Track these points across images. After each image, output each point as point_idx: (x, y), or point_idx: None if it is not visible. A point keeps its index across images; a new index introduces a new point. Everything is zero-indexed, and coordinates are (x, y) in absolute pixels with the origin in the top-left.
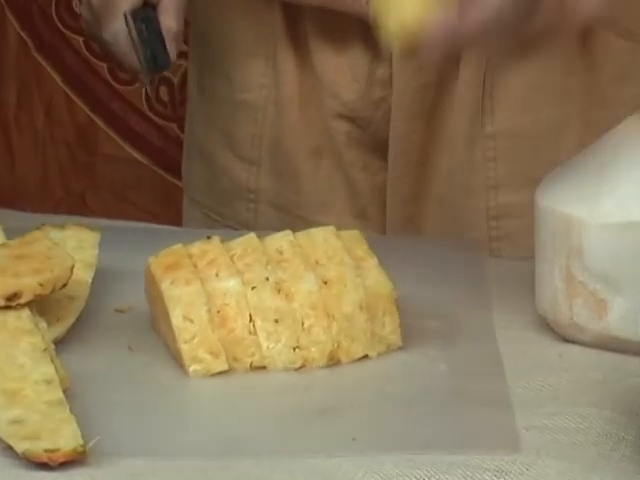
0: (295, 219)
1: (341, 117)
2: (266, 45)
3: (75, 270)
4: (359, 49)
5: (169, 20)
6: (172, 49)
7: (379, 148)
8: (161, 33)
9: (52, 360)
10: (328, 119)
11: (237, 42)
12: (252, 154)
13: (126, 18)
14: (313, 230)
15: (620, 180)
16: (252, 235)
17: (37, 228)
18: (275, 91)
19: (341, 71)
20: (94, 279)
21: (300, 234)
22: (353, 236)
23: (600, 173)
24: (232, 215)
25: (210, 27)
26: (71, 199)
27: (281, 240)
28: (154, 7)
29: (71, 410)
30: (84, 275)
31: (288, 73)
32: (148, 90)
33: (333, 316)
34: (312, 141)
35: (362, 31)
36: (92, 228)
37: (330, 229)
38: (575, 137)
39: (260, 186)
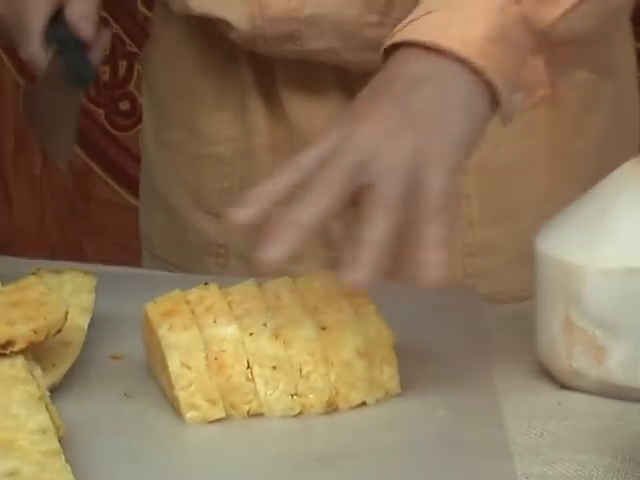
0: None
1: None
2: (232, 96)
3: (71, 315)
4: (335, 95)
5: (75, 4)
6: (84, 27)
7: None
8: (80, 45)
9: (47, 408)
10: None
11: (201, 95)
12: (220, 208)
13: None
14: (312, 276)
15: (619, 226)
16: (251, 281)
17: (33, 273)
18: (244, 143)
19: (316, 118)
20: (90, 325)
21: (299, 280)
22: None
23: (599, 219)
24: (199, 270)
25: (169, 80)
26: (67, 245)
27: (280, 286)
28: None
29: (66, 459)
30: (80, 321)
31: (258, 123)
32: (54, 159)
33: (332, 363)
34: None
35: (337, 76)
36: (88, 273)
37: (329, 275)
38: (545, 170)
39: (230, 240)
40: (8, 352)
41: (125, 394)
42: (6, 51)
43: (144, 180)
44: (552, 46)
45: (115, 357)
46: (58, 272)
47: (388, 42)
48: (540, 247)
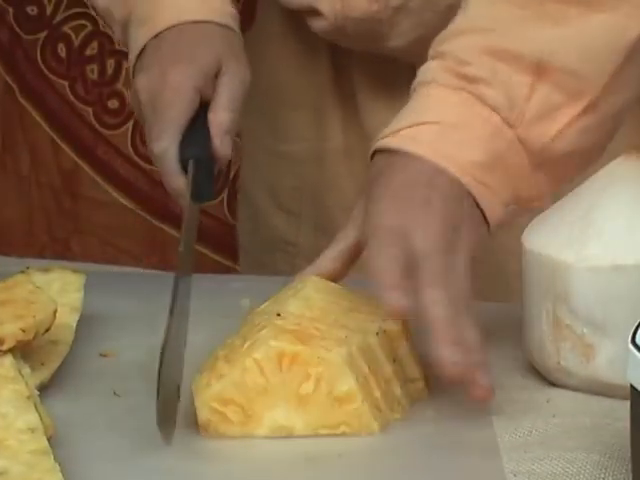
0: None
1: None
2: (312, 97)
3: (59, 314)
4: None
5: (221, 113)
6: (225, 144)
7: None
8: (210, 160)
9: (36, 407)
10: None
11: (284, 92)
12: (292, 206)
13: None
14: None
15: (606, 224)
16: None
17: (21, 271)
18: (318, 144)
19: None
20: (79, 323)
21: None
22: None
23: (586, 217)
24: (271, 264)
25: (256, 77)
26: (56, 244)
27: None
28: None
29: (55, 458)
30: (68, 319)
31: (334, 126)
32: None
33: None
34: (354, 196)
35: (413, 80)
36: (77, 271)
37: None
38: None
39: (299, 240)
40: None
41: (114, 392)
42: None
43: (241, 172)
44: (553, 162)
45: (104, 355)
46: (46, 270)
47: (384, 144)
48: (527, 244)
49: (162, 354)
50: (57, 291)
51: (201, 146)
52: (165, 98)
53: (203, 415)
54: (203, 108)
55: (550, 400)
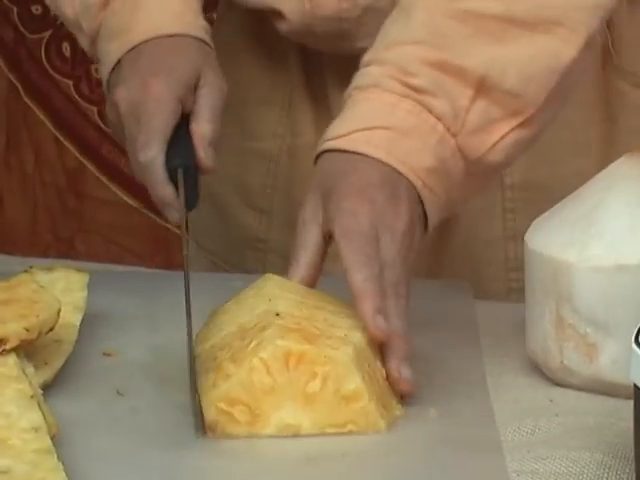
0: None
1: None
2: (282, 93)
3: (63, 313)
4: None
5: (203, 124)
6: (209, 155)
7: None
8: (193, 169)
9: (39, 406)
10: None
11: (251, 90)
12: (263, 204)
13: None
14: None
15: (609, 223)
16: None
17: (25, 271)
18: (289, 140)
19: None
20: (82, 323)
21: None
22: None
23: (589, 217)
24: (240, 263)
25: (223, 69)
26: (60, 243)
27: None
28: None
29: (59, 457)
30: (72, 318)
31: (304, 122)
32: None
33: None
34: None
35: None
36: (80, 270)
37: None
38: None
39: (270, 236)
40: (0, 350)
41: (117, 392)
42: None
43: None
44: (485, 170)
45: (107, 354)
46: (50, 270)
47: (332, 145)
48: (531, 245)
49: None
50: (61, 290)
51: (187, 156)
52: (148, 108)
53: (210, 416)
54: (184, 119)
55: (553, 400)
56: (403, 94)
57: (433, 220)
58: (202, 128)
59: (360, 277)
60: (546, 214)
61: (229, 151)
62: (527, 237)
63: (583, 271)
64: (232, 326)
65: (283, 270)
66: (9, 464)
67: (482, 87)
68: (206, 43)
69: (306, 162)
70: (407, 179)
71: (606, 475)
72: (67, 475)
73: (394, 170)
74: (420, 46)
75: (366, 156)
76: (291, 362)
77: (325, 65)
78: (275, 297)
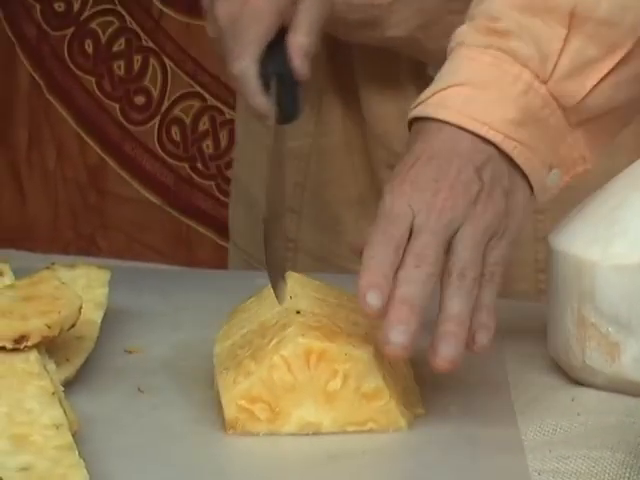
0: (334, 269)
1: (391, 167)
2: (312, 92)
3: (84, 310)
4: (412, 96)
5: (300, 36)
6: (304, 65)
7: None
8: (292, 81)
9: (61, 403)
10: (376, 169)
11: None
12: (293, 203)
13: (266, 73)
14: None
15: (632, 222)
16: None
17: (47, 267)
18: (319, 139)
19: (393, 120)
20: (104, 319)
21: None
22: None
23: (611, 215)
24: None
25: None
26: (81, 240)
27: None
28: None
29: (80, 454)
30: (93, 315)
31: (333, 121)
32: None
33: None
34: (355, 191)
35: (414, 76)
36: (102, 267)
37: None
38: None
39: (300, 236)
40: (22, 347)
41: (139, 389)
42: (21, 46)
43: (234, 171)
44: (590, 120)
45: (128, 351)
46: (72, 266)
47: (413, 114)
48: (553, 243)
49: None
50: (82, 287)
51: (282, 63)
52: (245, 21)
53: (230, 413)
54: (282, 32)
55: (575, 399)
56: (486, 44)
57: (537, 176)
58: (299, 39)
59: (366, 255)
60: (570, 213)
61: (260, 150)
62: (550, 236)
63: (606, 270)
64: (253, 324)
65: (312, 269)
66: (30, 460)
67: (574, 23)
68: None
69: (334, 162)
70: (479, 136)
71: (628, 474)
72: (88, 472)
73: (462, 130)
74: None
75: (437, 120)
76: (312, 360)
77: (355, 62)
78: (296, 295)
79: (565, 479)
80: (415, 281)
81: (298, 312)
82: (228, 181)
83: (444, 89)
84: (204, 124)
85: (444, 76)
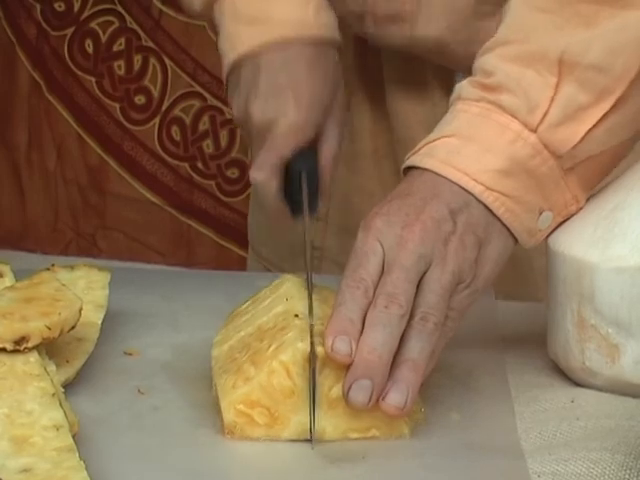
0: None
1: None
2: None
3: (85, 311)
4: (443, 103)
5: (332, 171)
6: (331, 169)
7: None
8: (316, 177)
9: (61, 404)
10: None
11: None
12: (320, 210)
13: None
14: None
15: (631, 224)
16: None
17: (46, 268)
18: (347, 146)
19: (420, 126)
20: (104, 321)
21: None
22: None
23: (611, 217)
24: (293, 270)
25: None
26: (81, 240)
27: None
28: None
29: (80, 456)
30: (94, 317)
31: (362, 128)
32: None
33: None
34: (383, 198)
35: (443, 82)
36: (102, 268)
37: None
38: None
39: (325, 244)
40: (22, 348)
41: (138, 390)
42: (21, 46)
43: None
44: (582, 163)
45: (128, 353)
46: (72, 268)
47: (405, 164)
48: (553, 245)
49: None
50: (82, 289)
51: (310, 161)
52: (280, 132)
53: (229, 417)
54: None
55: (575, 400)
56: (478, 98)
57: (520, 225)
58: (329, 147)
59: (336, 302)
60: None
61: None
62: (550, 238)
63: (605, 271)
64: (250, 327)
65: (337, 277)
66: (31, 462)
67: (565, 70)
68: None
69: (362, 169)
70: (460, 186)
71: (627, 476)
72: (88, 473)
73: (442, 179)
74: (505, 46)
75: (422, 169)
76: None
77: (384, 70)
78: (293, 297)
79: None
80: (384, 324)
81: (296, 315)
82: (228, 181)
83: (434, 140)
84: (204, 124)
85: (438, 128)
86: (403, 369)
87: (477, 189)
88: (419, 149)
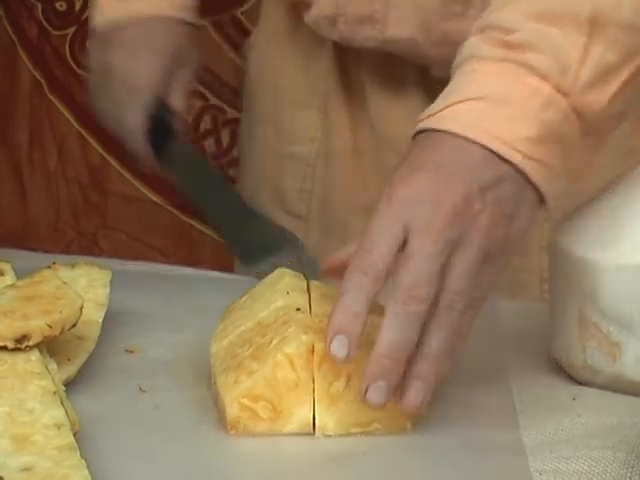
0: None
1: None
2: (318, 96)
3: (85, 310)
4: (421, 99)
5: (177, 101)
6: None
7: None
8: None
9: (62, 403)
10: (386, 173)
11: (288, 93)
12: (300, 209)
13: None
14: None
15: (634, 223)
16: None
17: (48, 267)
18: (326, 144)
19: (402, 123)
20: (105, 319)
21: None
22: None
23: (614, 216)
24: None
25: (261, 76)
26: (83, 239)
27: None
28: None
29: (81, 454)
30: (94, 315)
31: (341, 125)
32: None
33: None
34: (365, 196)
35: (422, 79)
36: (103, 267)
37: None
38: None
39: (307, 242)
40: (23, 347)
41: (140, 388)
42: (22, 45)
43: (239, 177)
44: (602, 125)
45: (130, 351)
46: (73, 266)
47: (423, 126)
48: (555, 243)
49: None
50: (83, 287)
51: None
52: (138, 79)
53: (232, 412)
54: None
55: (576, 398)
56: (501, 57)
57: (552, 191)
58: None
59: (342, 287)
60: (572, 213)
61: (266, 155)
62: (553, 236)
63: (607, 270)
64: (250, 322)
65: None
66: (32, 461)
67: (595, 28)
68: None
69: (342, 166)
70: (495, 153)
71: (629, 474)
72: (89, 472)
73: (477, 144)
74: (521, 2)
75: (453, 134)
76: (315, 361)
77: (362, 67)
78: (293, 291)
79: (567, 479)
80: (402, 324)
81: (298, 309)
82: (229, 180)
83: (457, 103)
84: (206, 123)
85: (457, 89)
86: (423, 365)
87: (516, 157)
88: (439, 110)
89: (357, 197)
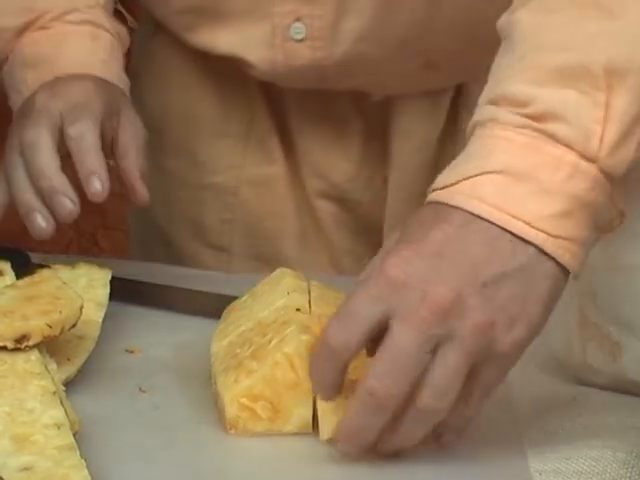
0: None
1: (328, 198)
2: (238, 123)
3: (85, 310)
4: (351, 126)
5: (131, 162)
6: (143, 188)
7: (365, 231)
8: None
9: (62, 403)
10: (312, 200)
11: (202, 121)
12: (222, 241)
13: None
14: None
15: (633, 221)
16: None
17: (48, 266)
18: (250, 171)
19: (329, 150)
20: (104, 319)
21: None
22: None
23: None
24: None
25: (163, 103)
26: (82, 239)
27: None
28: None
29: (81, 454)
30: (94, 315)
31: (266, 151)
32: None
33: None
34: (297, 222)
35: (356, 104)
36: (103, 266)
37: None
38: None
39: (229, 273)
40: (23, 346)
41: (140, 388)
42: None
43: (135, 209)
44: (631, 175)
45: (130, 351)
46: (73, 266)
47: (436, 198)
48: None
49: None
50: (83, 287)
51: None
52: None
53: (232, 412)
54: None
55: (576, 398)
56: (521, 125)
57: (578, 262)
58: (132, 163)
59: (319, 350)
60: None
61: (183, 188)
62: None
63: (607, 270)
64: (250, 322)
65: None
66: (31, 460)
67: (612, 79)
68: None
69: (270, 193)
70: (519, 237)
71: (629, 474)
72: (89, 472)
73: (501, 231)
74: (528, 69)
75: (465, 212)
76: None
77: (290, 96)
78: (293, 291)
79: (566, 479)
80: (366, 414)
81: (298, 309)
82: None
83: (475, 176)
84: None
85: (475, 158)
86: (396, 441)
87: (540, 238)
88: (456, 182)
89: (288, 222)
